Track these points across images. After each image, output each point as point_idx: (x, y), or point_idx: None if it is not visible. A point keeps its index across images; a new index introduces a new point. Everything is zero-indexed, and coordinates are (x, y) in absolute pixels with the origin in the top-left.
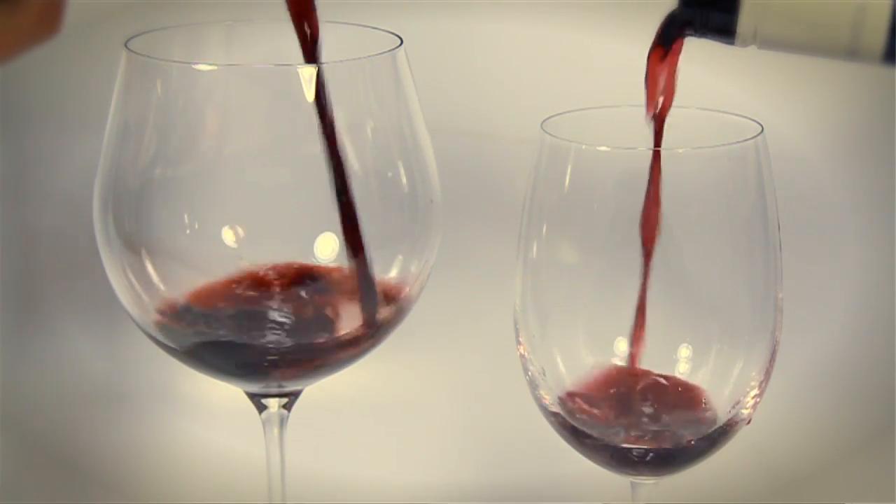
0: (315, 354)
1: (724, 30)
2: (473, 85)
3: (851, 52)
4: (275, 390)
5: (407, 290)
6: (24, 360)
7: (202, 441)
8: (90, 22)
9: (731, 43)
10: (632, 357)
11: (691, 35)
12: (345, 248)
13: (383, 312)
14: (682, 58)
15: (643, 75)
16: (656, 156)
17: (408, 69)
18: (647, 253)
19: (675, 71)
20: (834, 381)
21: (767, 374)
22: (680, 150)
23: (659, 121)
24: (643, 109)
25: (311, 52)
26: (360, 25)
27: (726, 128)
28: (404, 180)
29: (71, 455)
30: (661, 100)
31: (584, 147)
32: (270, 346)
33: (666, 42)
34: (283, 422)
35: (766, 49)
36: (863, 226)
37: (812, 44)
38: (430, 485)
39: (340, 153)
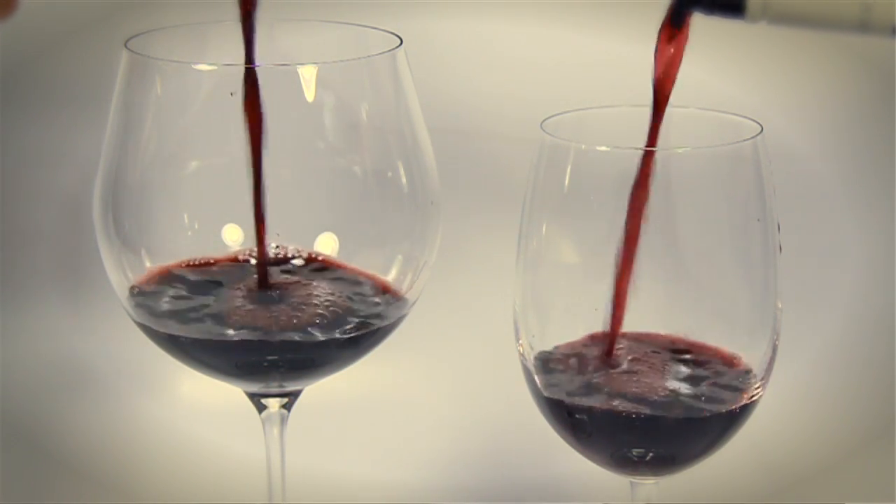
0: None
1: (734, 5)
2: (473, 85)
3: (863, 26)
4: (275, 390)
5: (407, 290)
6: (18, 357)
7: (202, 441)
8: (90, 22)
9: (741, 19)
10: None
11: (700, 12)
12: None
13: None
14: (688, 45)
15: (644, 74)
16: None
17: (408, 69)
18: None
19: (682, 52)
20: (834, 380)
21: (767, 374)
22: (680, 150)
23: (662, 101)
24: (644, 109)
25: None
26: (359, 25)
27: (726, 128)
28: (404, 180)
29: (67, 455)
30: (664, 79)
31: (584, 147)
32: (270, 344)
33: (675, 21)
34: (283, 422)
35: (776, 25)
36: (863, 226)
37: (823, 18)
38: (430, 485)
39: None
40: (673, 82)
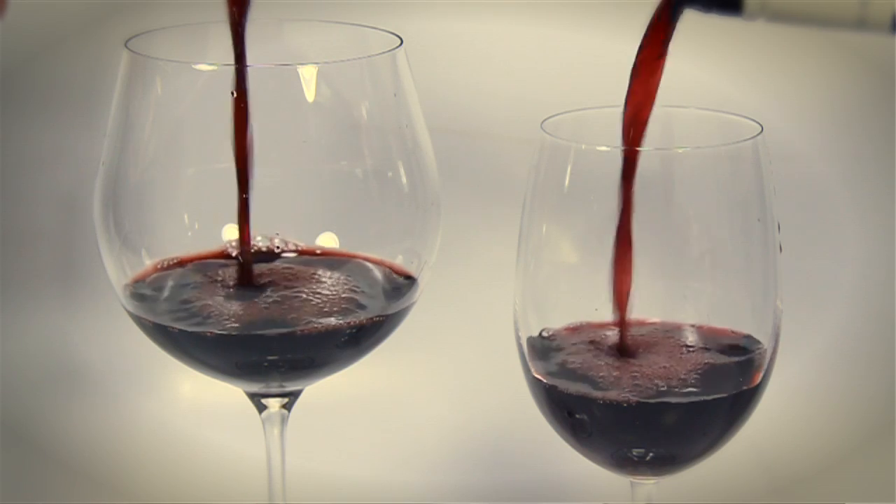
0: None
1: (731, 3)
2: (473, 85)
3: (860, 23)
4: (275, 390)
5: (407, 289)
6: (18, 356)
7: (202, 441)
8: (90, 22)
9: (739, 16)
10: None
11: (697, 10)
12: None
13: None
14: (677, 55)
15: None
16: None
17: (408, 69)
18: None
19: (664, 58)
20: (834, 380)
21: (767, 374)
22: (680, 150)
23: (643, 116)
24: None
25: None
26: (360, 25)
27: (726, 128)
28: (404, 180)
29: (67, 454)
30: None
31: (584, 147)
32: (270, 341)
33: (672, 19)
34: (283, 422)
35: (774, 22)
36: (863, 226)
37: (821, 15)
38: (430, 485)
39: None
40: (650, 109)
